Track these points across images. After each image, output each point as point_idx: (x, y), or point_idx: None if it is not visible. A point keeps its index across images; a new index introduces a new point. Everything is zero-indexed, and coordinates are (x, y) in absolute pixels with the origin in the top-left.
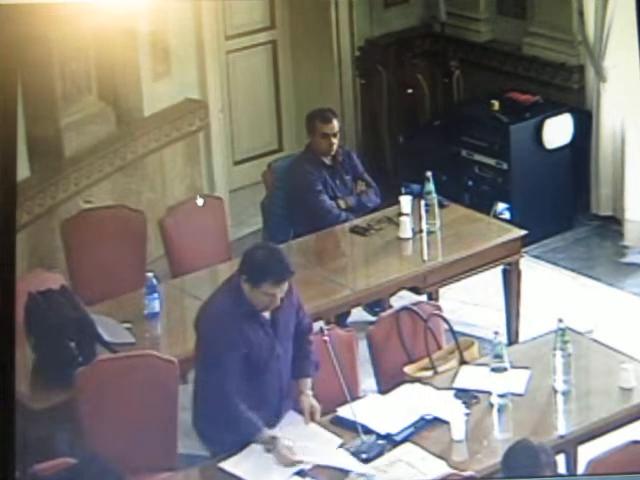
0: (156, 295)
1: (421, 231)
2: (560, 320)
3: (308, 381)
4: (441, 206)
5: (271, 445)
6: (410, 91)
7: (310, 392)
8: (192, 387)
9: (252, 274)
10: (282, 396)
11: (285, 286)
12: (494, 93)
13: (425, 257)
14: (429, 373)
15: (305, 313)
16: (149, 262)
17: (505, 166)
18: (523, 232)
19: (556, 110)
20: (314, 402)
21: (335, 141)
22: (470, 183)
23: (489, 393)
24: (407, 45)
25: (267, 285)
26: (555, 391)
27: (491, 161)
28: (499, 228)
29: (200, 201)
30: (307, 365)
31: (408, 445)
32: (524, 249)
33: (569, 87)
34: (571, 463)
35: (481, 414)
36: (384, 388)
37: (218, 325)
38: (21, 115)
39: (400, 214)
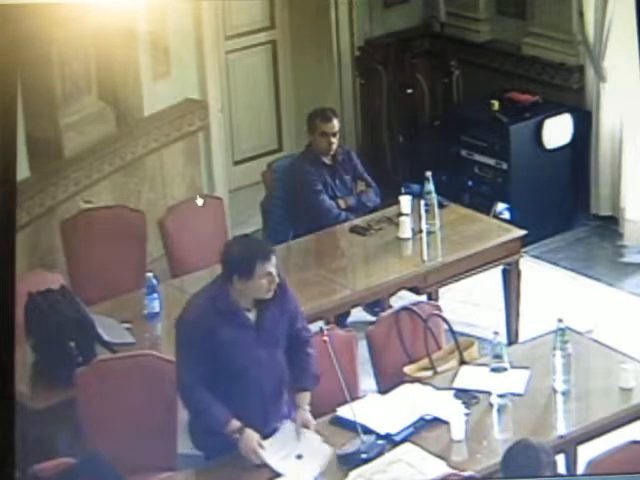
0: (156, 295)
1: (421, 231)
2: (560, 320)
3: (305, 395)
4: (441, 206)
5: (238, 435)
6: (410, 91)
7: (307, 407)
8: None
9: (240, 268)
10: (266, 402)
11: (274, 261)
12: (494, 93)
13: (425, 257)
14: (429, 373)
15: (305, 325)
16: (149, 262)
17: (505, 166)
18: (523, 232)
19: (556, 110)
20: (308, 417)
21: (334, 140)
22: (470, 183)
23: (489, 393)
24: (407, 45)
25: (259, 267)
26: (555, 391)
27: (491, 161)
28: (499, 228)
29: (200, 201)
30: (304, 378)
31: (408, 445)
32: (524, 249)
33: (569, 87)
34: (571, 463)
35: (481, 414)
36: (384, 388)
37: (192, 322)
38: (21, 115)
39: (400, 214)
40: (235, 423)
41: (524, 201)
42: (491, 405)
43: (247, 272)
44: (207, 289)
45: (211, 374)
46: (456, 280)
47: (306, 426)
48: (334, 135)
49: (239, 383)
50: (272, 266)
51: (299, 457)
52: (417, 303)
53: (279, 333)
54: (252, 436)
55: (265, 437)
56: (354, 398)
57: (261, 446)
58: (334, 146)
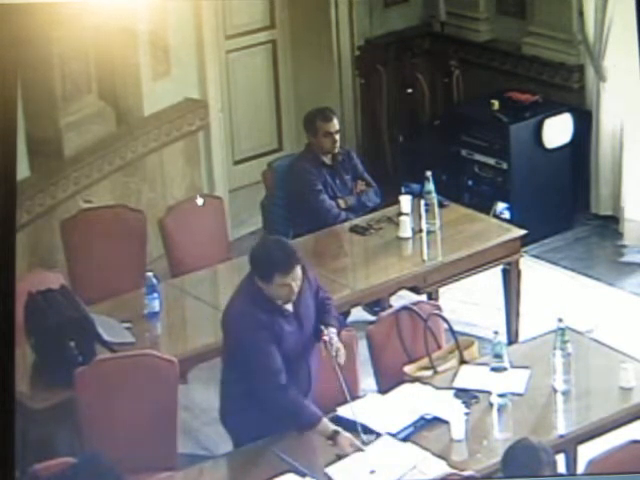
0: (156, 295)
1: (421, 231)
2: (560, 320)
3: (330, 329)
4: (441, 206)
5: (333, 438)
6: (410, 91)
7: (333, 336)
8: (220, 386)
9: (261, 271)
10: (311, 381)
11: (297, 273)
12: (494, 93)
13: (425, 257)
14: (429, 373)
15: (325, 292)
16: (149, 262)
17: (505, 166)
18: (523, 232)
19: (556, 110)
20: (337, 345)
21: (338, 139)
22: (470, 183)
23: (489, 393)
24: (407, 45)
25: (278, 277)
26: (555, 391)
27: (491, 161)
28: (499, 228)
29: (200, 201)
30: (328, 318)
31: (408, 445)
32: (524, 249)
33: (569, 87)
34: (571, 463)
35: (481, 414)
36: (384, 388)
37: (245, 325)
38: (21, 115)
39: (400, 214)
40: (328, 424)
41: (524, 201)
42: (491, 405)
43: (266, 278)
44: (240, 293)
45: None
46: (456, 280)
47: (337, 353)
48: (337, 133)
49: (290, 372)
50: (292, 279)
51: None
52: (417, 303)
53: (311, 313)
54: (346, 439)
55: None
56: (354, 398)
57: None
58: (337, 144)
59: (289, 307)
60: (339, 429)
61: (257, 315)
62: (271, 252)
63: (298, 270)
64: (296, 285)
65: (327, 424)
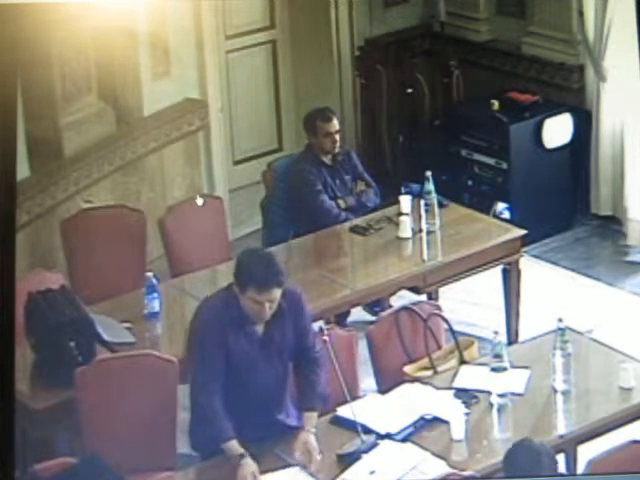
0: (156, 295)
1: (421, 231)
2: (560, 320)
3: (311, 415)
4: (441, 206)
5: (237, 461)
6: (410, 91)
7: (312, 429)
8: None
9: (238, 278)
10: (269, 414)
11: (272, 295)
12: (494, 93)
13: (425, 257)
14: (429, 373)
15: (314, 344)
16: (149, 262)
17: (505, 166)
18: (523, 232)
19: (556, 110)
20: (310, 440)
21: (338, 139)
22: (470, 183)
23: (489, 393)
24: (407, 45)
25: (251, 291)
26: (555, 391)
27: (491, 161)
28: (499, 228)
29: (200, 201)
30: (311, 398)
31: (408, 445)
32: (524, 249)
33: (569, 87)
34: (571, 463)
35: (481, 414)
36: (384, 388)
37: (206, 326)
38: (21, 115)
39: (400, 214)
40: (236, 446)
41: (524, 201)
42: (491, 405)
43: (240, 286)
44: (217, 295)
45: (222, 377)
46: (456, 280)
47: (306, 448)
48: (337, 133)
49: (241, 393)
50: (266, 298)
51: None
52: (417, 303)
53: (285, 346)
54: (249, 466)
55: (257, 441)
56: (354, 398)
57: (255, 478)
58: (337, 145)
59: (258, 329)
60: (245, 455)
61: (221, 317)
62: (255, 263)
63: (275, 292)
64: (269, 306)
65: (235, 447)
